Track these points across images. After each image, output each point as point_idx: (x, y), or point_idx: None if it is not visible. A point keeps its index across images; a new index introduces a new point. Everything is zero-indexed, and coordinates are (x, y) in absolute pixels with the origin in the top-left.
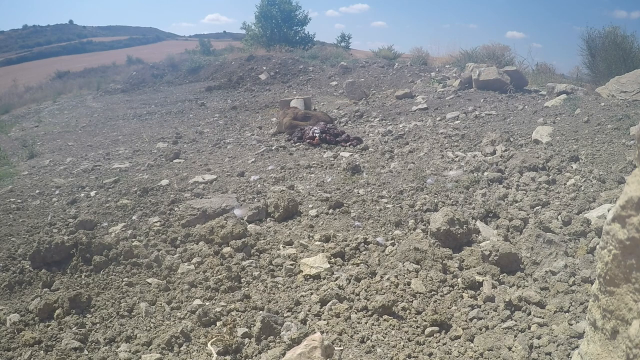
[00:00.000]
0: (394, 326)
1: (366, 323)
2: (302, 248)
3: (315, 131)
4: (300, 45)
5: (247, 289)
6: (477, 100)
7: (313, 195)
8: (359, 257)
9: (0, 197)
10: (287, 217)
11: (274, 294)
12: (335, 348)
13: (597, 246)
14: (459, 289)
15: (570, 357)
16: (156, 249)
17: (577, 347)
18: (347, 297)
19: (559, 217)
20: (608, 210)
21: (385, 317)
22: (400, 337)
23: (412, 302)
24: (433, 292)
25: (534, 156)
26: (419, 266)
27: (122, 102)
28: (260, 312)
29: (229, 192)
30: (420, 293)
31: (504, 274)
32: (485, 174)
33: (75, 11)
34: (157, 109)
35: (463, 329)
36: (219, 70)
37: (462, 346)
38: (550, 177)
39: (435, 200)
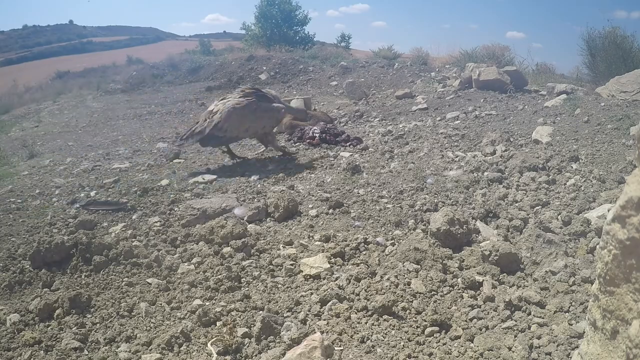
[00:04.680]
0: (394, 326)
1: (366, 323)
2: (302, 248)
3: (315, 131)
4: (300, 45)
5: (247, 289)
6: (477, 100)
7: (313, 195)
8: (359, 257)
9: (0, 197)
10: (287, 217)
11: (274, 294)
12: (335, 348)
13: (597, 246)
14: (459, 289)
15: (570, 357)
16: (156, 249)
17: (577, 347)
18: (347, 297)
19: (559, 217)
20: (608, 210)
21: (385, 317)
22: (400, 337)
23: (412, 302)
24: (433, 292)
25: (534, 156)
26: (419, 266)
27: (122, 102)
28: (260, 312)
29: (229, 192)
30: (420, 293)
31: (504, 274)
32: (485, 174)
33: (75, 11)
34: (157, 109)
35: (463, 329)
36: (219, 70)
37: (462, 346)
38: (550, 177)
39: (435, 200)
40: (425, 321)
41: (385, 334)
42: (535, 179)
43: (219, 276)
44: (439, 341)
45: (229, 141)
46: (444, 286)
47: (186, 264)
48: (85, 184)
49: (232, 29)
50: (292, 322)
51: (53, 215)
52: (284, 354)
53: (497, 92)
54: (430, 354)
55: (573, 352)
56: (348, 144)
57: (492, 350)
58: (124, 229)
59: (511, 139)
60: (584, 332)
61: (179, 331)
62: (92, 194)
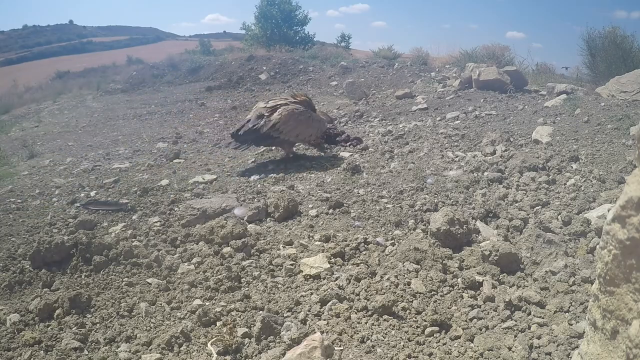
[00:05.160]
0: (394, 326)
1: (366, 323)
2: (302, 248)
3: None
4: (300, 45)
5: (247, 289)
6: (477, 100)
7: (313, 195)
8: (359, 257)
9: (0, 197)
10: (287, 217)
11: (274, 294)
12: (335, 348)
13: (597, 246)
14: (459, 289)
15: (570, 357)
16: (156, 249)
17: (577, 347)
18: (347, 297)
19: (559, 217)
20: (608, 210)
21: (385, 317)
22: (400, 337)
23: (412, 302)
24: (433, 292)
25: (534, 156)
26: (419, 266)
27: (122, 102)
28: (260, 312)
29: (229, 192)
30: (420, 293)
31: (504, 274)
32: (485, 174)
33: (75, 11)
34: (157, 109)
35: (463, 329)
36: (219, 70)
37: (462, 346)
38: (550, 177)
39: (435, 200)
40: (425, 321)
41: (385, 334)
42: (535, 179)
43: (219, 276)
44: (439, 341)
45: (280, 143)
46: (444, 286)
47: (186, 264)
48: (85, 184)
49: (232, 29)
50: (292, 322)
51: (53, 215)
52: (284, 354)
53: (497, 92)
54: (430, 354)
55: (573, 352)
56: (348, 144)
57: (492, 350)
58: (124, 229)
59: (511, 139)
60: (584, 332)
61: (179, 331)
62: (92, 194)
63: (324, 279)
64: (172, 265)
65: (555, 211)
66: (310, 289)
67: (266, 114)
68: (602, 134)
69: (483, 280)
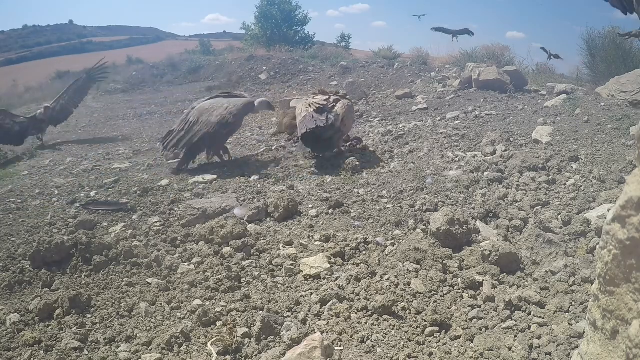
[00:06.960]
0: (394, 326)
1: (366, 323)
2: (302, 248)
3: None
4: (300, 45)
5: (247, 289)
6: (477, 100)
7: (313, 195)
8: (359, 257)
9: (0, 197)
10: (287, 217)
11: (274, 294)
12: (335, 348)
13: (597, 246)
14: (459, 289)
15: (570, 357)
16: (156, 249)
17: (577, 347)
18: (347, 297)
19: (559, 217)
20: (608, 210)
21: (385, 317)
22: (400, 337)
23: (412, 302)
24: (433, 292)
25: (534, 156)
26: (419, 266)
27: (122, 102)
28: (260, 312)
29: (229, 192)
30: (420, 293)
31: (504, 274)
32: (485, 174)
33: (75, 11)
34: (157, 109)
35: (463, 329)
36: (219, 70)
37: (462, 346)
38: (550, 177)
39: (435, 200)
40: (425, 321)
41: (385, 334)
42: (535, 179)
43: (219, 276)
44: (439, 341)
45: (339, 138)
46: (444, 286)
47: (186, 264)
48: (85, 184)
49: (232, 29)
50: (292, 322)
51: (53, 215)
52: (284, 354)
53: (497, 92)
54: (430, 354)
55: (573, 352)
56: (348, 143)
57: (492, 350)
58: (124, 229)
59: (511, 139)
60: (584, 332)
61: (179, 331)
62: (92, 194)
63: (324, 279)
64: (172, 265)
65: (555, 211)
66: (310, 289)
67: (320, 105)
68: (602, 134)
69: (483, 280)
